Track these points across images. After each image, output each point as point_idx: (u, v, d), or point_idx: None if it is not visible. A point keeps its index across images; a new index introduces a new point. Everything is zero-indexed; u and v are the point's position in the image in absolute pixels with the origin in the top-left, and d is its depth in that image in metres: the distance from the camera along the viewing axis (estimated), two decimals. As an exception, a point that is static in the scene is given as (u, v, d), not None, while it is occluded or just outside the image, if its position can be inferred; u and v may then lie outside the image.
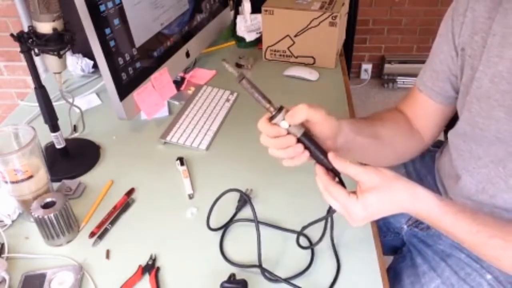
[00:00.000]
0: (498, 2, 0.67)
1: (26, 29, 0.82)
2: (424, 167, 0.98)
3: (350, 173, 0.64)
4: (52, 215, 0.76)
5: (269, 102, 0.63)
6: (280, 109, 0.62)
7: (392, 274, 0.90)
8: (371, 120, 0.81)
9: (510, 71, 0.66)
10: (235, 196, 0.88)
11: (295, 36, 1.31)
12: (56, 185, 0.92)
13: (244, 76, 0.61)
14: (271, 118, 0.62)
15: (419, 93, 0.84)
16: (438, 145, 0.98)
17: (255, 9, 1.40)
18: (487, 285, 0.77)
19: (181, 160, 0.98)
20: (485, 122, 0.71)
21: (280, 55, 1.37)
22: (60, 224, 0.78)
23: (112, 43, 0.92)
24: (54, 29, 0.81)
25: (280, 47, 1.35)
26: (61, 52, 0.85)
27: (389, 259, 0.98)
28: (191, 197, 0.90)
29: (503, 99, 0.67)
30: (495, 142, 0.71)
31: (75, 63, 1.30)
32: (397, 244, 0.98)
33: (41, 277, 0.73)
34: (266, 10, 1.30)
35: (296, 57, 1.35)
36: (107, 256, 0.78)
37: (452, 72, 0.78)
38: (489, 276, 0.78)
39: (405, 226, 0.96)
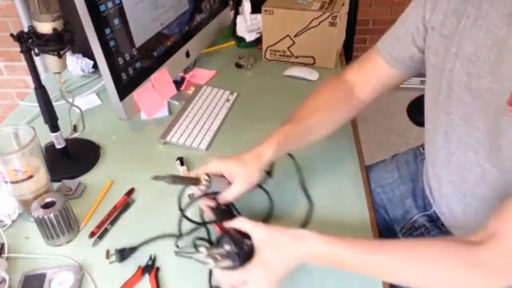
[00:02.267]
0: None
1: (26, 29, 0.82)
2: (417, 170, 0.98)
3: (243, 227, 0.68)
4: (52, 215, 0.76)
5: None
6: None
7: None
8: (302, 116, 0.87)
9: (477, 54, 0.66)
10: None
11: (295, 36, 1.31)
12: (56, 185, 0.92)
13: (172, 177, 0.70)
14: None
15: (377, 53, 0.87)
16: None
17: (255, 9, 1.40)
18: None
19: (181, 160, 0.98)
20: (454, 105, 0.71)
21: (280, 55, 1.37)
22: (60, 224, 0.78)
23: (112, 43, 0.92)
24: (54, 29, 0.81)
25: (280, 47, 1.35)
26: (61, 52, 0.85)
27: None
28: (191, 197, 0.90)
29: (469, 82, 0.68)
30: (460, 125, 0.71)
31: (75, 63, 1.30)
32: None
33: (41, 277, 0.73)
34: (266, 10, 1.30)
35: (296, 57, 1.35)
36: (107, 256, 0.78)
37: (415, 43, 0.80)
38: None
39: (400, 235, 0.96)
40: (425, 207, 0.92)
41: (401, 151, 1.08)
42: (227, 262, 0.66)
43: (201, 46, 1.32)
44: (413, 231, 0.93)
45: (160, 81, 1.08)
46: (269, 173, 0.90)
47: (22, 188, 0.80)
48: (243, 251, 0.66)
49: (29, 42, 0.82)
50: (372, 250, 0.64)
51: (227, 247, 0.67)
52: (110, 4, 0.90)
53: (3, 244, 0.80)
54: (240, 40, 1.46)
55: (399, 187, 0.98)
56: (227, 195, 0.76)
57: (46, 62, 0.88)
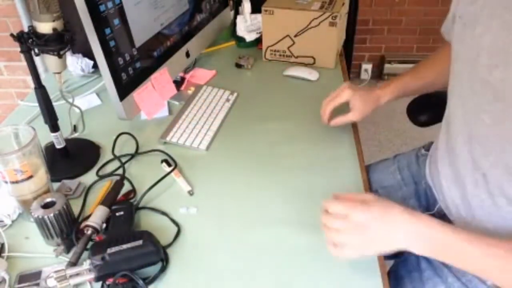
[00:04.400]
0: None
1: (26, 29, 0.82)
2: (419, 171, 0.98)
3: (357, 198, 0.69)
4: (52, 215, 0.76)
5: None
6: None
7: (393, 278, 0.88)
8: (421, 70, 1.00)
9: (492, 43, 0.65)
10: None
11: (295, 36, 1.31)
12: (56, 185, 0.92)
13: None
14: None
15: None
16: (429, 149, 0.99)
17: (255, 9, 1.40)
18: None
19: (167, 162, 0.98)
20: (467, 95, 0.71)
21: (280, 55, 1.37)
22: (60, 224, 0.78)
23: (112, 43, 0.92)
24: (54, 29, 0.81)
25: (280, 47, 1.35)
26: (61, 52, 0.85)
27: (389, 263, 0.98)
28: (191, 193, 0.91)
29: (484, 72, 0.66)
30: (472, 117, 0.71)
31: (75, 63, 1.30)
32: None
33: (37, 275, 0.74)
34: (266, 10, 1.30)
35: (296, 57, 1.35)
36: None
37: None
38: (489, 283, 0.77)
39: None
40: (428, 207, 0.92)
41: (401, 151, 1.08)
42: (86, 277, 0.69)
43: (201, 46, 1.32)
44: None
45: (160, 81, 1.08)
46: None
47: (22, 188, 0.80)
48: (103, 262, 0.69)
49: (29, 42, 0.82)
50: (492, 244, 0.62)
51: (88, 261, 0.70)
52: (110, 4, 0.90)
53: (3, 244, 0.80)
54: (240, 40, 1.46)
55: (401, 188, 0.98)
56: (345, 118, 0.98)
57: (46, 62, 0.88)
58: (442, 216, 0.87)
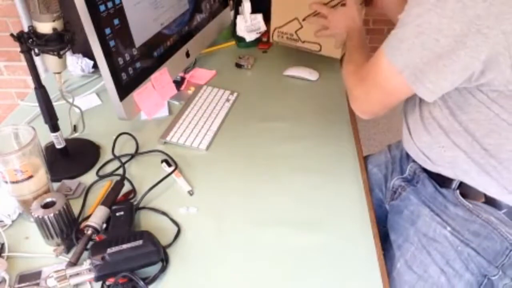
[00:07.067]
0: None
1: (26, 29, 0.82)
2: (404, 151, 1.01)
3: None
4: (52, 215, 0.76)
5: None
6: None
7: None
8: None
9: None
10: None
11: (303, 20, 1.27)
12: (56, 185, 0.92)
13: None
14: None
15: None
16: None
17: (255, 9, 1.40)
18: (450, 235, 0.82)
19: (167, 162, 0.98)
20: None
21: (288, 38, 1.32)
22: (60, 224, 0.78)
23: (112, 43, 0.92)
24: (54, 29, 0.81)
25: (288, 30, 1.30)
26: (61, 52, 0.85)
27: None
28: (191, 193, 0.91)
29: None
30: None
31: (75, 63, 1.30)
32: None
33: (36, 276, 0.74)
34: None
35: (303, 42, 1.30)
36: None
37: None
38: (448, 228, 0.82)
39: (387, 206, 1.00)
40: (401, 171, 0.98)
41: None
42: (86, 277, 0.69)
43: (201, 46, 1.32)
44: (393, 196, 0.97)
45: (160, 81, 1.08)
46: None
47: (22, 188, 0.80)
48: (103, 262, 0.69)
49: (29, 42, 0.82)
50: (355, 49, 0.97)
51: (88, 261, 0.70)
52: (110, 4, 0.90)
53: (3, 244, 0.80)
54: (240, 40, 1.46)
55: (393, 164, 1.04)
56: None
57: (46, 62, 0.88)
58: (414, 172, 0.93)
